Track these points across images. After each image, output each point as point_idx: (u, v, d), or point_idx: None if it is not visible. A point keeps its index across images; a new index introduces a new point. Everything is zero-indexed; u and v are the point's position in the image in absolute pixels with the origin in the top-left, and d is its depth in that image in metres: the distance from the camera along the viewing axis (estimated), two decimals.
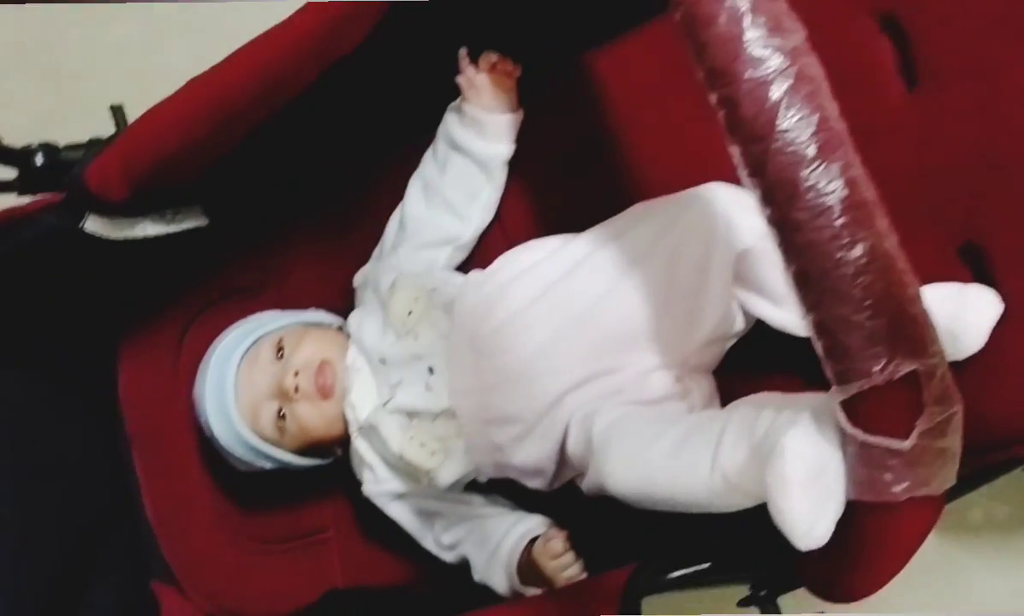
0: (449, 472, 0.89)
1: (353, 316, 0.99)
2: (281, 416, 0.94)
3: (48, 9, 1.22)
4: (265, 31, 0.79)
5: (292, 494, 1.07)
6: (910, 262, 0.54)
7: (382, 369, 0.90)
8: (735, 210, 0.77)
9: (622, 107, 0.94)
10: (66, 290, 1.00)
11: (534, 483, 0.90)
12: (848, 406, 0.55)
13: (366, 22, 0.82)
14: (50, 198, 0.90)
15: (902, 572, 0.60)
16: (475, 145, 0.94)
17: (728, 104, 0.55)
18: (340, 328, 1.01)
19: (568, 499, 0.90)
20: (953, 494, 0.59)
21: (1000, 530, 1.10)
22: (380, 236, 1.02)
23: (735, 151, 0.56)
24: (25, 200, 0.92)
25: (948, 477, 0.57)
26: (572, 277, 0.84)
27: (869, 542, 0.59)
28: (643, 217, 0.84)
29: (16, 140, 0.88)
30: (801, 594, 0.73)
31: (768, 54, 0.54)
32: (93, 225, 0.90)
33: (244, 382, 0.95)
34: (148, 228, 0.95)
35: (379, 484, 0.95)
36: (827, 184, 0.53)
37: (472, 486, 0.94)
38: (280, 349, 0.95)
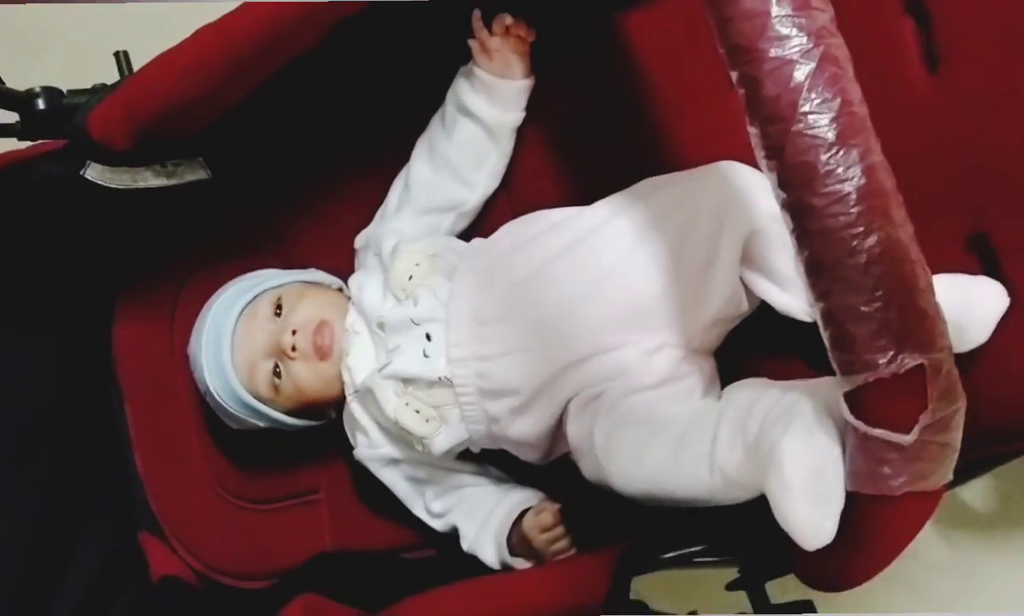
0: (443, 440, 0.88)
1: (354, 278, 0.98)
2: (277, 374, 0.93)
3: None
4: None
5: (283, 454, 1.06)
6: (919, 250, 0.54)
7: (380, 333, 0.90)
8: (748, 190, 0.76)
9: (636, 78, 0.93)
10: (64, 239, 0.99)
11: (528, 456, 0.90)
12: (851, 397, 0.55)
13: None
14: (51, 144, 0.89)
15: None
16: (484, 110, 0.93)
17: (749, 83, 0.54)
18: (340, 289, 1.00)
19: (561, 473, 0.90)
20: (949, 484, 0.59)
21: (1016, 526, 1.10)
22: (384, 198, 1.01)
23: (753, 131, 0.55)
24: (25, 145, 0.91)
25: (947, 472, 0.57)
26: (578, 249, 0.83)
27: (864, 534, 0.59)
28: (653, 192, 0.84)
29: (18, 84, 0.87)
30: (788, 580, 0.73)
31: (794, 33, 0.53)
32: (94, 173, 0.89)
33: (241, 339, 0.94)
34: (149, 179, 0.94)
35: (372, 448, 0.94)
36: (846, 170, 0.52)
37: (465, 455, 0.94)
38: (279, 307, 0.94)
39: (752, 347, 0.87)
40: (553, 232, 0.87)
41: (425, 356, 0.86)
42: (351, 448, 0.98)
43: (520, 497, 0.92)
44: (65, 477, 0.98)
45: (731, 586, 0.76)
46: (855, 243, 0.52)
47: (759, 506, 0.66)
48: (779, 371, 0.85)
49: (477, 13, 0.93)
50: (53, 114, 0.88)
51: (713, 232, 0.78)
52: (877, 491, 0.56)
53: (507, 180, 0.97)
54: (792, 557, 0.66)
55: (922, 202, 0.60)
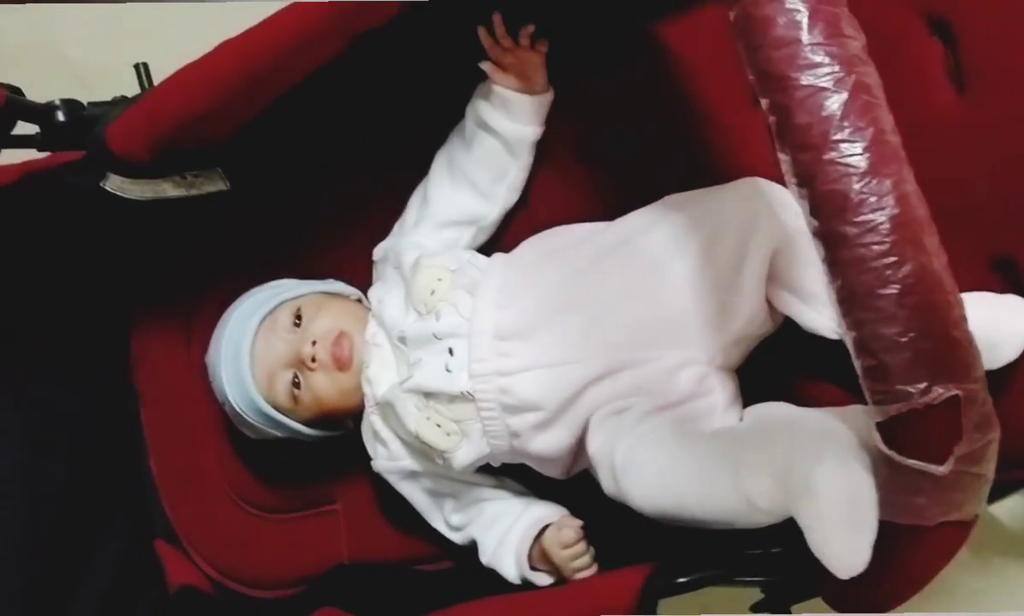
0: (464, 455, 0.88)
1: (373, 291, 0.97)
2: (296, 385, 0.93)
3: None
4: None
5: (301, 464, 1.06)
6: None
7: (401, 347, 0.89)
8: (773, 205, 0.76)
9: (658, 93, 0.92)
10: (82, 248, 0.99)
11: (549, 471, 0.89)
12: (885, 428, 0.54)
13: None
14: (69, 155, 0.89)
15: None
16: (502, 125, 0.92)
17: (780, 111, 0.54)
18: (360, 300, 0.99)
19: (582, 488, 0.89)
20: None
21: None
22: (402, 210, 1.00)
23: (784, 158, 0.54)
24: (44, 156, 0.91)
25: (980, 502, 0.57)
26: (602, 265, 0.83)
27: (895, 562, 0.59)
28: (678, 207, 0.83)
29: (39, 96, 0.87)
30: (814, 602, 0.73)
31: (825, 61, 0.52)
32: (113, 184, 0.89)
33: (261, 349, 0.94)
34: (168, 190, 0.94)
35: (392, 461, 0.94)
36: (879, 200, 0.52)
37: (485, 469, 0.93)
38: (298, 317, 0.94)
39: (775, 365, 0.86)
40: (576, 247, 0.86)
41: (447, 371, 0.86)
42: (369, 459, 0.97)
43: (541, 512, 0.91)
44: (81, 485, 0.98)
45: (755, 608, 0.75)
46: (888, 273, 0.52)
47: (786, 529, 0.66)
48: (803, 389, 0.85)
49: (484, 31, 0.92)
50: (73, 126, 0.88)
51: (738, 247, 0.77)
52: (911, 521, 0.55)
53: (527, 194, 0.97)
54: (820, 581, 0.66)
55: (949, 223, 0.59)
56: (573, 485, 0.91)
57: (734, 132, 0.88)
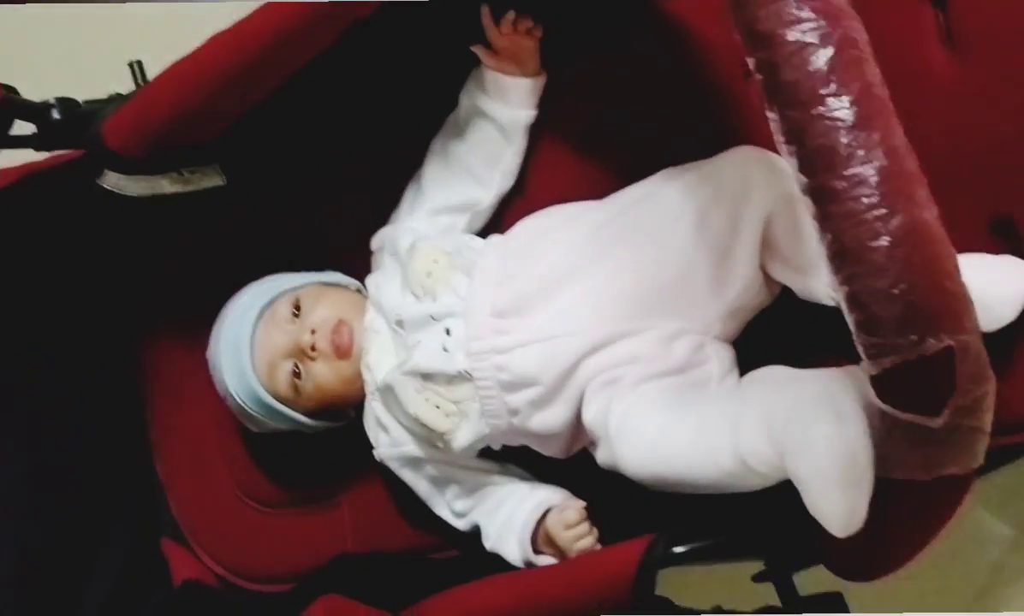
0: (464, 435, 0.88)
1: (371, 278, 0.98)
2: (296, 375, 0.93)
3: None
4: None
5: (304, 458, 1.06)
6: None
7: (399, 331, 0.90)
8: (767, 172, 0.76)
9: (655, 75, 0.92)
10: (84, 247, 0.99)
11: (549, 449, 0.90)
12: (879, 381, 0.54)
13: None
14: (68, 155, 0.90)
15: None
16: (496, 110, 0.93)
17: (767, 68, 0.54)
18: (359, 290, 1.00)
19: (583, 469, 0.89)
20: (980, 470, 0.59)
21: None
22: (398, 199, 1.01)
23: (772, 117, 0.55)
24: (42, 156, 0.91)
25: (978, 456, 0.56)
26: (597, 237, 0.84)
27: (895, 521, 0.59)
28: (671, 179, 0.83)
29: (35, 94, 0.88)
30: (817, 571, 0.73)
31: (812, 16, 0.53)
32: (110, 181, 0.89)
33: (261, 341, 0.94)
34: (165, 187, 0.94)
35: (394, 447, 0.94)
36: (867, 152, 0.52)
37: (487, 453, 0.93)
38: (297, 308, 0.94)
39: (772, 336, 0.86)
40: (571, 223, 0.87)
41: (445, 351, 0.86)
42: (371, 450, 0.97)
43: (544, 495, 0.91)
44: (87, 484, 0.99)
45: (758, 578, 0.75)
46: (878, 225, 0.52)
47: (786, 497, 0.66)
48: (800, 359, 0.85)
49: (486, 10, 0.92)
50: (69, 124, 0.88)
51: (733, 214, 0.78)
52: (907, 476, 0.55)
53: (522, 178, 0.97)
54: (821, 547, 0.65)
55: (945, 185, 0.59)
56: (575, 467, 0.91)
57: (731, 111, 0.87)
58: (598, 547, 0.88)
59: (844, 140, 0.52)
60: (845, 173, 0.52)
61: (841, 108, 0.52)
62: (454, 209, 0.96)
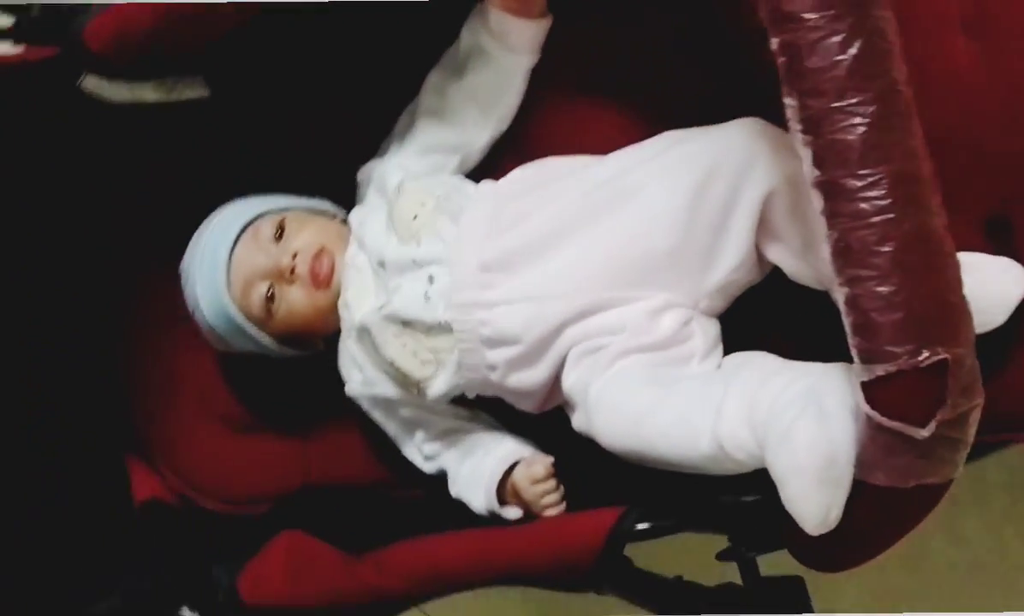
0: (439, 385, 0.87)
1: (355, 212, 0.95)
2: (270, 298, 0.91)
3: None
4: None
5: (273, 383, 1.05)
6: None
7: (381, 272, 0.88)
8: (772, 150, 0.74)
9: (665, 29, 0.89)
10: (55, 152, 0.95)
11: (523, 405, 0.89)
12: (869, 387, 0.54)
13: None
14: (38, 52, 0.85)
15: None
16: (497, 51, 0.89)
17: (791, 51, 0.52)
18: (344, 221, 0.97)
19: (554, 423, 0.89)
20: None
21: None
22: (388, 130, 0.97)
23: (790, 103, 0.53)
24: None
25: (958, 467, 0.56)
26: (592, 199, 0.81)
27: (867, 522, 0.59)
28: (674, 144, 0.81)
29: None
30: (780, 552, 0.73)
31: (843, 2, 0.50)
32: (91, 84, 0.85)
33: (240, 257, 0.92)
34: (147, 93, 0.90)
35: (366, 387, 0.93)
36: (885, 153, 0.50)
37: (459, 400, 0.92)
38: (281, 229, 0.92)
39: (757, 313, 0.85)
40: (567, 180, 0.84)
41: (426, 299, 0.84)
42: (341, 383, 0.96)
43: (512, 448, 0.91)
44: (52, 398, 0.97)
45: (721, 556, 0.76)
46: (887, 229, 0.51)
47: (756, 478, 0.66)
48: (784, 340, 0.84)
49: None
50: (49, 20, 0.84)
51: (732, 188, 0.75)
52: (887, 482, 0.55)
53: (518, 122, 0.94)
54: (787, 534, 0.66)
55: (945, 178, 0.57)
56: (546, 421, 0.90)
57: (742, 83, 0.84)
58: (563, 504, 0.88)
59: (862, 137, 0.50)
60: (860, 172, 0.51)
61: (864, 104, 0.50)
62: (446, 148, 0.93)
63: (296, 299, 0.91)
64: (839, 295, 0.54)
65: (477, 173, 0.95)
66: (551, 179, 0.86)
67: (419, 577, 0.77)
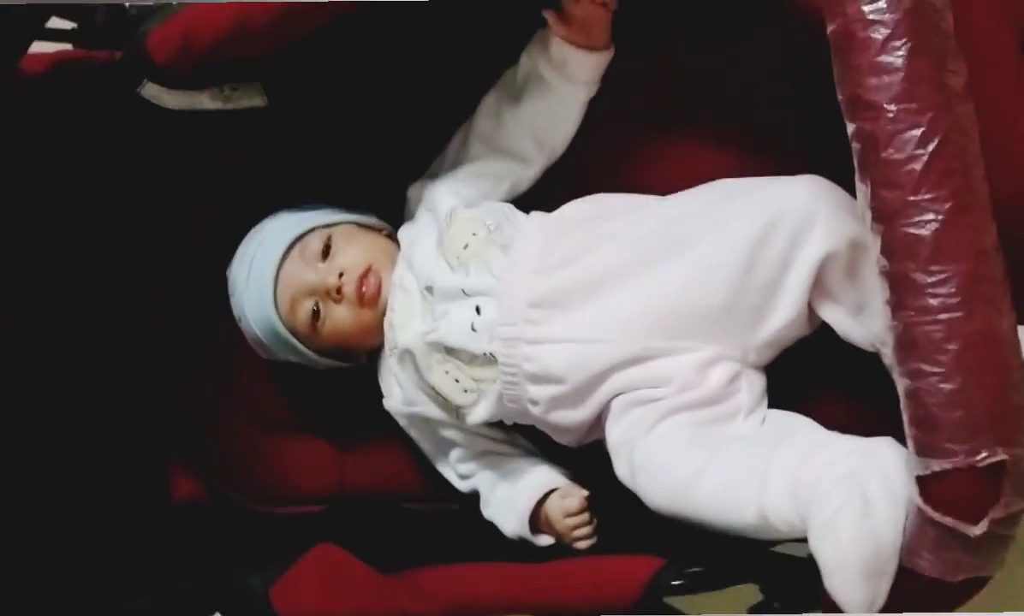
0: (479, 413, 0.87)
1: (404, 231, 0.95)
2: (316, 315, 0.92)
3: None
4: None
5: (312, 388, 1.05)
6: None
7: (428, 296, 0.88)
8: (833, 210, 0.73)
9: (731, 72, 0.87)
10: (112, 152, 0.96)
11: (561, 439, 0.89)
12: (924, 481, 0.53)
13: None
14: (102, 54, 0.86)
15: None
16: (555, 80, 0.88)
17: (867, 140, 0.51)
18: (391, 236, 0.97)
19: (591, 457, 0.89)
20: None
21: None
22: (439, 145, 0.97)
23: (862, 189, 0.52)
24: None
25: (1002, 562, 0.56)
26: (647, 242, 0.81)
27: (906, 605, 0.59)
28: (734, 194, 0.80)
29: None
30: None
31: (925, 96, 0.49)
32: (150, 92, 0.86)
33: (287, 273, 0.92)
34: (205, 102, 0.91)
35: (405, 405, 0.94)
36: (957, 251, 0.50)
37: (496, 424, 0.93)
38: (328, 246, 0.92)
39: (800, 364, 0.85)
40: (622, 220, 0.84)
41: (472, 330, 0.84)
42: (380, 395, 0.97)
43: (548, 476, 0.91)
44: (93, 399, 0.98)
45: (754, 610, 0.76)
46: (954, 328, 0.50)
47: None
48: (826, 396, 0.84)
49: None
50: (113, 26, 0.84)
51: (790, 246, 0.75)
52: (934, 574, 0.55)
53: (572, 153, 0.93)
54: (825, 603, 0.66)
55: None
56: (582, 452, 0.91)
57: (809, 140, 0.83)
58: (594, 539, 0.88)
59: (935, 233, 0.50)
60: (931, 268, 0.50)
61: (938, 201, 0.50)
62: (498, 174, 0.93)
63: (341, 317, 0.91)
64: (899, 385, 0.53)
65: (528, 200, 0.95)
66: (605, 217, 0.85)
67: (453, 607, 0.78)
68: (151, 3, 0.85)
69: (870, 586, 0.57)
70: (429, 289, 0.88)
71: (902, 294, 0.51)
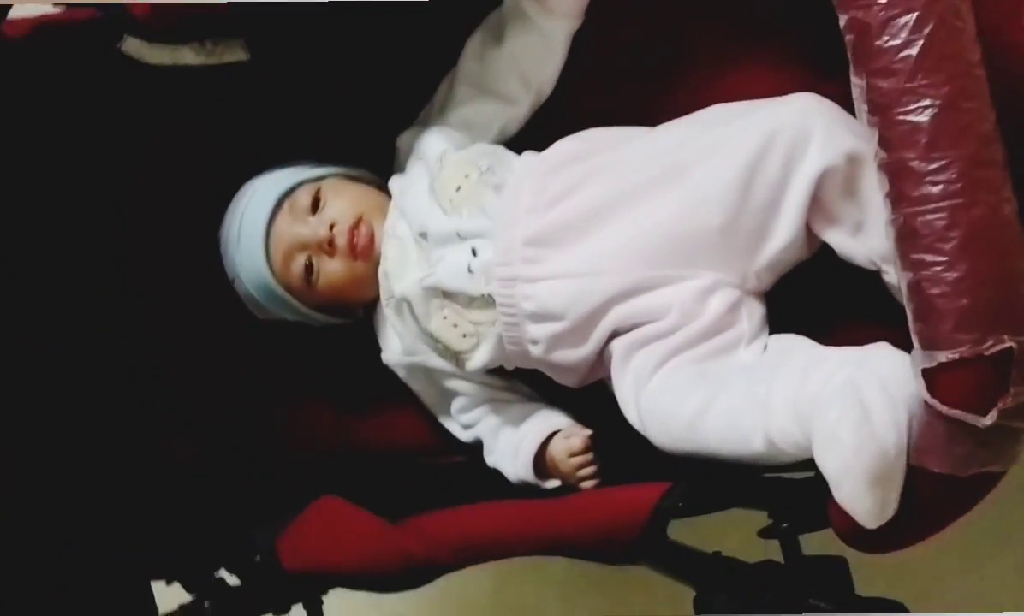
0: (480, 357, 0.86)
1: (395, 180, 0.94)
2: (309, 269, 0.91)
3: None
4: None
5: (309, 347, 1.05)
6: None
7: (422, 243, 0.87)
8: (827, 126, 0.72)
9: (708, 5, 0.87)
10: (95, 113, 0.94)
11: (563, 380, 0.88)
12: (930, 374, 0.53)
13: None
14: (83, 12, 0.85)
15: None
16: (537, 15, 0.87)
17: (861, 30, 0.50)
18: (381, 188, 0.96)
19: (592, 397, 0.88)
20: None
21: None
22: (426, 96, 0.96)
23: (858, 82, 0.51)
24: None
25: (1016, 456, 0.56)
26: (641, 173, 0.80)
27: (919, 507, 0.58)
28: (727, 118, 0.79)
29: None
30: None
31: None
32: (132, 47, 0.85)
33: (278, 229, 0.92)
34: (188, 57, 0.90)
35: (404, 355, 0.93)
36: (956, 136, 0.49)
37: (496, 370, 0.92)
38: (317, 199, 0.91)
39: (801, 287, 0.84)
40: (614, 152, 0.83)
41: (469, 272, 0.83)
42: (378, 349, 0.96)
43: (550, 419, 0.91)
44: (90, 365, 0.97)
45: (763, 533, 0.75)
46: (956, 215, 0.49)
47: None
48: (827, 317, 0.83)
49: None
50: None
51: (786, 165, 0.73)
52: (945, 470, 0.54)
53: (560, 90, 0.92)
54: (831, 515, 0.65)
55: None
56: (584, 393, 0.90)
57: (799, 60, 0.82)
58: (598, 479, 0.88)
59: (933, 119, 0.49)
60: (930, 155, 0.49)
61: (935, 86, 0.49)
62: (486, 116, 0.92)
63: (335, 270, 0.90)
64: (901, 279, 0.52)
65: (519, 140, 0.94)
66: (597, 152, 0.84)
67: (460, 546, 0.77)
68: None
69: (878, 492, 0.56)
70: (423, 235, 0.87)
71: (901, 185, 0.50)
